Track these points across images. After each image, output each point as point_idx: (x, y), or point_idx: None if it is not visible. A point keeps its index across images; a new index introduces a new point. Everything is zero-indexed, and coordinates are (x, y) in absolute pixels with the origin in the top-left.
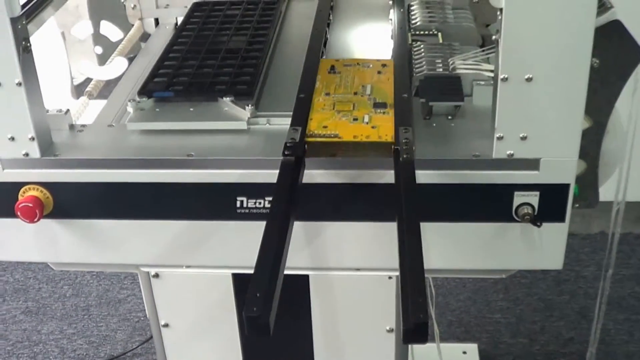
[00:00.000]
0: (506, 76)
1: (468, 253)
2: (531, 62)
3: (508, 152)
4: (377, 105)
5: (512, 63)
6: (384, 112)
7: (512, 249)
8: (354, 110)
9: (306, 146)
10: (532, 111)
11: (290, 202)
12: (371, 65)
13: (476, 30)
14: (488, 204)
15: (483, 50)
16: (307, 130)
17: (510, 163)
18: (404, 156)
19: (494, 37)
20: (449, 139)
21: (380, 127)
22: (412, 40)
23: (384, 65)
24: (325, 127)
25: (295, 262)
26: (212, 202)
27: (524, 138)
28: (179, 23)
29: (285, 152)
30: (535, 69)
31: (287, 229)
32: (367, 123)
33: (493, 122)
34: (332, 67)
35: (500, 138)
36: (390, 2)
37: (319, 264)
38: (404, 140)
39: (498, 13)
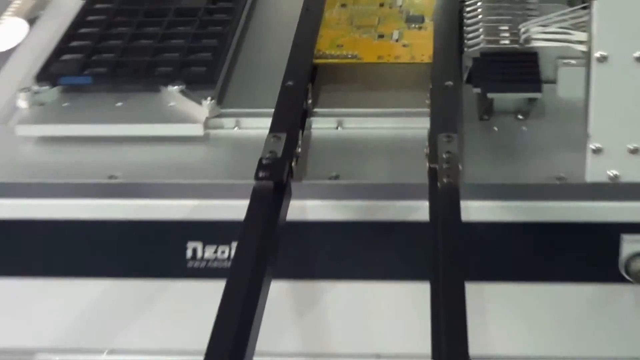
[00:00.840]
0: (605, 54)
1: (553, 332)
2: None
3: (611, 173)
4: (410, 19)
5: (614, 33)
6: (419, 28)
7: (623, 324)
8: (380, 25)
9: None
10: None
11: (266, 250)
12: None
13: None
14: (582, 254)
15: (580, 9)
16: (316, 50)
17: (615, 190)
18: (445, 180)
19: None
20: (518, 152)
21: (415, 45)
22: None
23: None
24: (340, 46)
25: (279, 346)
26: (149, 251)
27: (635, 151)
28: None
29: (260, 174)
30: None
31: (259, 292)
32: (396, 41)
33: (587, 125)
34: None
35: (597, 151)
36: None
37: (316, 347)
38: (445, 156)
39: None
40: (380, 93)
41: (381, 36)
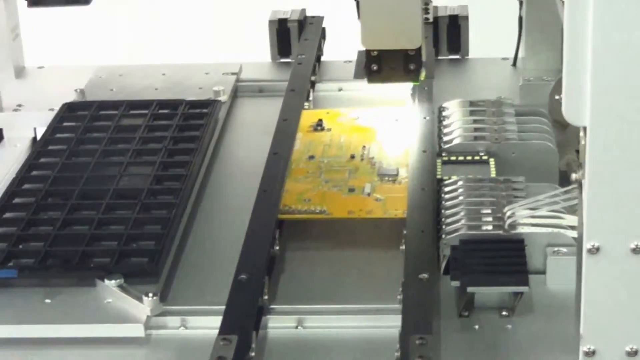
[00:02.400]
0: (597, 245)
1: None
2: None
3: None
4: (383, 171)
5: (607, 223)
6: (393, 181)
7: None
8: (350, 178)
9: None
10: None
11: None
12: (377, 119)
13: (557, 152)
14: None
15: (573, 190)
16: (282, 205)
17: None
18: None
19: (573, 175)
20: (502, 355)
21: (388, 199)
22: (443, 173)
23: (396, 119)
24: (307, 200)
25: None
26: None
27: (633, 353)
28: (38, 138)
29: None
30: None
31: None
32: (368, 195)
33: (578, 324)
34: (319, 122)
35: (591, 353)
36: (411, 98)
37: None
38: None
39: (581, 134)
40: (347, 277)
41: (352, 190)
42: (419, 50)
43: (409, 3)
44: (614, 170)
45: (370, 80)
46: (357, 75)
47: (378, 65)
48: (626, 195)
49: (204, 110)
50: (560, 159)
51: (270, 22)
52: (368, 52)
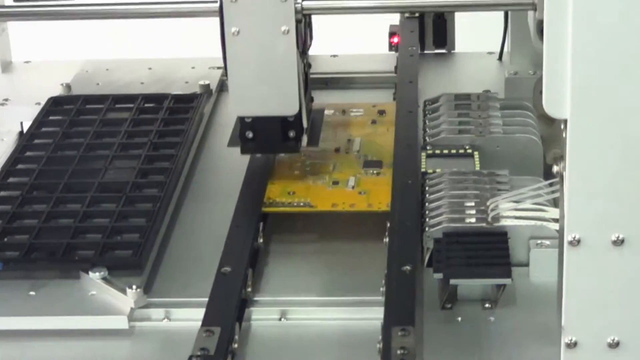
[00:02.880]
0: (577, 237)
1: None
2: (621, 213)
3: None
4: (368, 164)
5: (587, 215)
6: (377, 173)
7: None
8: (335, 171)
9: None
10: (626, 297)
11: None
12: (362, 112)
13: (541, 146)
14: None
15: (557, 183)
16: (266, 198)
17: None
18: None
19: (555, 168)
20: (484, 347)
21: (372, 192)
22: (427, 167)
23: (381, 113)
24: (291, 193)
25: None
26: None
27: (614, 345)
28: (24, 132)
29: None
30: (628, 225)
31: None
32: (352, 188)
33: (560, 315)
34: None
35: (571, 345)
36: (394, 95)
37: None
38: (399, 352)
39: (562, 127)
40: (330, 270)
41: (336, 183)
42: (298, 116)
43: (284, 65)
44: (594, 162)
45: (243, 150)
46: (232, 143)
47: (253, 132)
48: (606, 188)
49: (190, 104)
50: (547, 153)
51: None
52: (242, 118)
